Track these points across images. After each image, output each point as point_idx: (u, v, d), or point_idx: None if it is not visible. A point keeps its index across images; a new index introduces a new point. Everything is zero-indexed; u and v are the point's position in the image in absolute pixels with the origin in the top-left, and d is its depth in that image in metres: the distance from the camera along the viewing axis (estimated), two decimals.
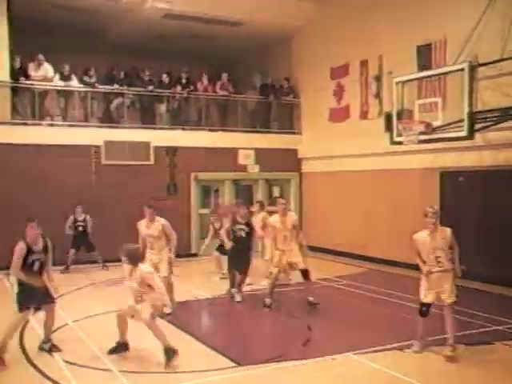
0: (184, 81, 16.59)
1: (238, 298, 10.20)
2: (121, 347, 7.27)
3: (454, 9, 12.31)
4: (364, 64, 15.12)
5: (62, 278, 12.36)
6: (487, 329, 8.25)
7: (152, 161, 15.52)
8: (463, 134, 10.65)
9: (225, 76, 17.16)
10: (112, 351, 7.20)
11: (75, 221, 13.71)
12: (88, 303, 10.13)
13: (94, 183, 14.79)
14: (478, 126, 10.82)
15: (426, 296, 7.20)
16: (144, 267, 7.15)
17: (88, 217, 13.74)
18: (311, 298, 9.67)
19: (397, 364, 6.83)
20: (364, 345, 7.41)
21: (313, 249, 12.09)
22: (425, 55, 13.14)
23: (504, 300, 10.24)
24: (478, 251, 11.28)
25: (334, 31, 15.97)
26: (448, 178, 12.52)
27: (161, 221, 9.51)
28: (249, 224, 10.33)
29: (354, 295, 11.02)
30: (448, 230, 7.20)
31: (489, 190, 11.55)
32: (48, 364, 6.89)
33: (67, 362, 6.94)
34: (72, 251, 13.60)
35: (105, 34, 17.31)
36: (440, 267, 7.11)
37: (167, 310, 8.14)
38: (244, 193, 17.01)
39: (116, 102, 15.75)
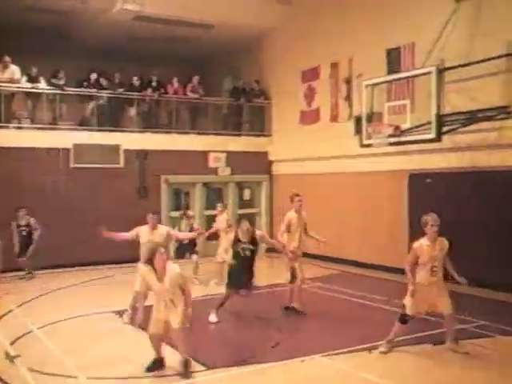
0: (155, 83, 16.50)
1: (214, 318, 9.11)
2: (158, 363, 6.75)
3: (421, 14, 12.48)
4: (334, 67, 15.22)
5: (24, 285, 12.30)
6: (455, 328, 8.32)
7: (122, 164, 15.38)
8: (431, 136, 10.81)
9: (195, 79, 17.12)
10: (149, 369, 6.66)
11: (18, 226, 13.04)
12: (52, 309, 9.96)
13: (62, 187, 14.58)
14: (445, 129, 10.98)
15: (416, 308, 7.12)
16: (175, 267, 6.62)
17: (32, 220, 13.08)
18: (298, 306, 9.47)
19: (364, 365, 6.86)
20: (333, 347, 7.42)
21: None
22: (394, 59, 13.30)
23: (472, 300, 10.36)
24: None
25: (305, 34, 16.06)
26: (416, 179, 12.65)
27: (165, 228, 9.36)
28: (253, 240, 8.93)
29: (326, 297, 11.05)
30: (446, 242, 7.22)
31: (455, 191, 11.69)
32: (11, 372, 6.74)
33: (31, 369, 6.80)
34: (20, 259, 13.04)
35: (74, 36, 17.08)
36: (433, 277, 7.14)
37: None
38: (215, 195, 16.99)
39: (92, 105, 15.57)
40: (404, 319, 7.21)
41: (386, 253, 13.11)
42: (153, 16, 15.77)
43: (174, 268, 6.56)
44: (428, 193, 12.11)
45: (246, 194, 17.65)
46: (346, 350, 7.36)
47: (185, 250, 12.51)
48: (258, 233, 9.12)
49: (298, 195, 9.78)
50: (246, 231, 8.79)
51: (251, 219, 9.26)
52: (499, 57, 10.64)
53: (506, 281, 10.16)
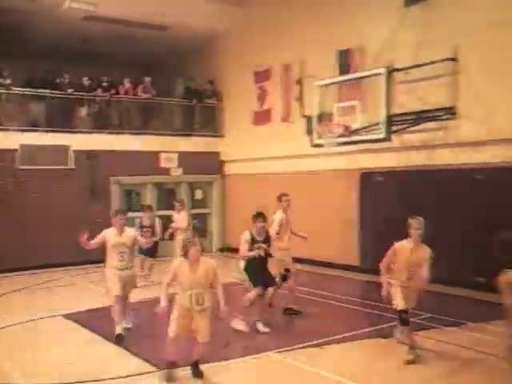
0: (105, 84, 16.24)
1: (264, 329, 8.41)
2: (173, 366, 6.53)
3: (371, 17, 12.73)
4: (286, 68, 15.32)
5: None
6: None
7: (72, 165, 15.08)
8: (381, 136, 11.01)
9: (147, 79, 16.95)
10: (168, 379, 6.42)
11: None
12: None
13: (9, 189, 14.20)
14: (394, 129, 11.22)
15: (403, 302, 6.88)
16: (210, 259, 6.58)
17: None
18: (295, 307, 9.30)
19: (316, 360, 6.93)
20: (287, 343, 7.48)
21: (234, 250, 12.10)
22: (344, 60, 13.49)
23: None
24: None
25: (257, 36, 16.13)
26: (367, 178, 12.88)
27: (132, 230, 8.77)
28: (267, 238, 8.52)
29: (279, 296, 11.07)
30: (428, 249, 6.96)
31: (405, 189, 11.95)
32: None
33: None
34: None
35: (23, 34, 16.64)
36: (411, 280, 6.88)
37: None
38: (166, 196, 16.87)
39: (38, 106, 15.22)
40: (403, 319, 6.93)
41: (338, 250, 13.28)
42: (103, 16, 15.52)
43: (208, 260, 6.56)
44: (379, 191, 12.36)
45: (198, 194, 17.59)
46: (300, 345, 7.43)
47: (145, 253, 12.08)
48: (270, 231, 8.79)
49: (285, 195, 9.57)
50: (261, 229, 8.38)
51: (264, 216, 8.49)
52: (445, 60, 10.95)
53: (454, 275, 10.41)
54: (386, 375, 6.51)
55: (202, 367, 6.61)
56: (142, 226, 12.03)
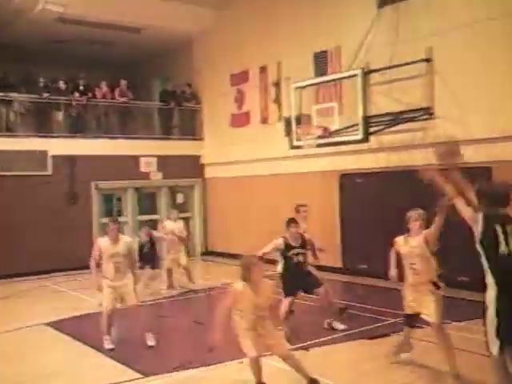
0: (82, 87, 16.13)
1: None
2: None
3: (347, 18, 12.84)
4: (263, 70, 15.38)
5: None
6: (386, 322, 8.61)
7: (50, 170, 14.95)
8: (359, 137, 11.12)
9: (123, 82, 16.88)
10: None
11: None
12: None
13: None
14: (372, 130, 11.33)
15: (411, 309, 6.57)
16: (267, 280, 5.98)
17: None
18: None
19: (303, 363, 6.95)
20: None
21: (217, 254, 12.12)
22: (321, 62, 13.58)
23: (400, 294, 10.73)
24: (376, 247, 11.79)
25: (234, 38, 16.15)
26: (347, 179, 12.98)
27: (127, 238, 8.29)
28: (304, 243, 8.38)
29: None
30: (431, 231, 6.50)
31: (384, 190, 12.08)
32: None
33: None
34: None
35: None
36: (417, 275, 6.48)
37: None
38: (147, 200, 16.82)
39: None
40: (408, 322, 6.68)
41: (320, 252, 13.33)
42: (77, 18, 15.38)
43: (266, 281, 5.97)
44: (358, 192, 12.46)
45: (179, 197, 17.55)
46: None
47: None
48: (306, 236, 8.58)
49: (303, 206, 9.46)
50: (296, 234, 8.19)
51: (296, 221, 8.29)
52: (419, 61, 11.10)
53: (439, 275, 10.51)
54: (373, 377, 6.57)
55: (187, 374, 6.63)
56: (141, 247, 11.64)
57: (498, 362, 4.73)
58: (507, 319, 4.56)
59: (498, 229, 4.58)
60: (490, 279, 4.68)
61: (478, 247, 4.73)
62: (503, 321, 4.57)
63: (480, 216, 4.68)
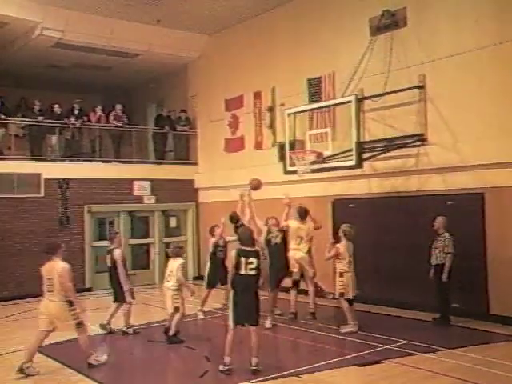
0: (77, 111, 16.19)
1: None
2: None
3: (340, 45, 12.97)
4: (258, 96, 15.48)
5: None
6: (378, 349, 8.54)
7: (43, 193, 14.91)
8: (352, 163, 11.11)
9: (118, 107, 16.95)
10: None
11: None
12: None
13: None
14: (365, 156, 11.36)
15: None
16: None
17: None
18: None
19: None
20: (262, 373, 7.40)
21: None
22: (315, 88, 13.69)
23: (392, 320, 10.69)
24: (368, 274, 11.76)
25: (228, 63, 16.29)
26: (340, 205, 12.98)
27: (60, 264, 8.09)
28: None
29: None
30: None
31: (377, 215, 12.08)
32: None
33: None
34: None
35: None
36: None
37: None
38: (140, 224, 16.76)
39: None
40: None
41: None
42: (74, 43, 15.50)
43: None
44: (351, 218, 12.38)
45: (173, 222, 17.50)
46: (278, 374, 7.38)
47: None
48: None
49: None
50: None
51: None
52: (412, 88, 11.21)
53: (431, 301, 10.48)
54: None
55: None
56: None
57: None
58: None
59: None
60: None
61: None
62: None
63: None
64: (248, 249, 7.57)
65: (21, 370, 7.67)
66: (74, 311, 7.85)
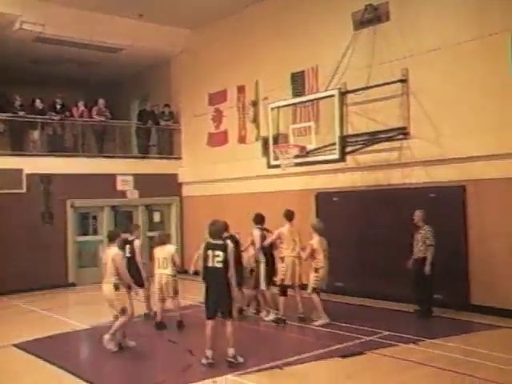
0: (59, 106, 16.05)
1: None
2: None
3: (324, 39, 13.00)
4: (241, 90, 15.47)
5: None
6: (361, 340, 8.60)
7: (24, 189, 14.77)
8: (335, 156, 11.15)
9: (101, 101, 16.83)
10: None
11: None
12: None
13: None
14: (348, 149, 11.41)
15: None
16: None
17: None
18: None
19: (277, 382, 6.93)
20: (245, 366, 7.43)
21: (193, 273, 12.02)
22: (298, 82, 13.71)
23: (375, 312, 10.76)
24: (351, 266, 11.84)
25: (212, 58, 16.25)
26: (323, 198, 13.02)
27: None
28: None
29: None
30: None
31: (360, 208, 12.14)
32: None
33: None
34: None
35: None
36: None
37: None
38: (124, 219, 16.69)
39: None
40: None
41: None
42: (55, 38, 15.33)
43: None
44: (335, 211, 12.49)
45: (156, 216, 17.45)
46: (258, 367, 7.39)
47: None
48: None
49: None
50: None
51: None
52: (395, 82, 11.27)
53: (406, 292, 10.58)
54: None
55: None
56: None
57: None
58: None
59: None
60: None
61: None
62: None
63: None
64: (215, 242, 7.66)
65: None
66: (120, 296, 8.36)
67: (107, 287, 8.40)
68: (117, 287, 8.33)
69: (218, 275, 7.53)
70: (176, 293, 9.96)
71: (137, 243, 10.58)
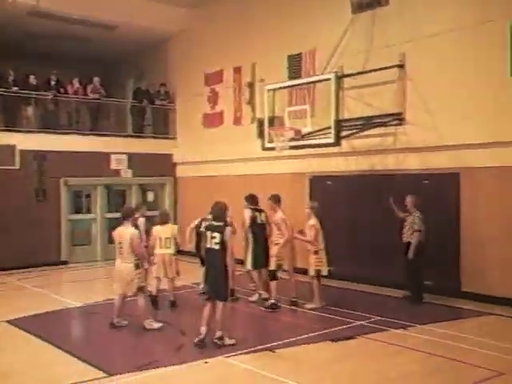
0: (53, 83, 15.91)
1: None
2: None
3: (321, 22, 12.90)
4: (237, 71, 15.39)
5: None
6: (351, 324, 8.68)
7: (18, 165, 14.70)
8: (330, 140, 11.13)
9: (96, 79, 16.70)
10: None
11: None
12: None
13: None
14: (344, 133, 11.39)
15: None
16: None
17: None
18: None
19: (269, 364, 6.98)
20: (237, 348, 7.50)
21: (186, 253, 12.05)
22: (295, 64, 13.64)
23: (366, 297, 10.85)
24: (343, 251, 11.89)
25: (209, 38, 16.12)
26: (317, 181, 13.04)
27: None
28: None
29: None
30: None
31: (354, 193, 12.17)
32: None
33: None
34: None
35: None
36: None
37: None
38: (117, 198, 16.66)
39: None
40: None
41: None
42: (50, 12, 15.12)
43: None
44: (328, 194, 12.51)
45: (150, 196, 17.43)
46: (250, 349, 7.46)
47: None
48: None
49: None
50: None
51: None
52: (392, 67, 11.23)
53: (398, 277, 10.66)
54: (339, 378, 6.60)
55: (154, 373, 6.59)
56: None
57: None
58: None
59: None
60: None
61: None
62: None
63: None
64: (214, 223, 7.76)
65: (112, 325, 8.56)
66: (140, 275, 8.51)
67: (126, 267, 8.40)
68: (137, 266, 8.43)
69: (214, 256, 7.62)
70: (178, 273, 10.01)
71: (141, 221, 10.45)
